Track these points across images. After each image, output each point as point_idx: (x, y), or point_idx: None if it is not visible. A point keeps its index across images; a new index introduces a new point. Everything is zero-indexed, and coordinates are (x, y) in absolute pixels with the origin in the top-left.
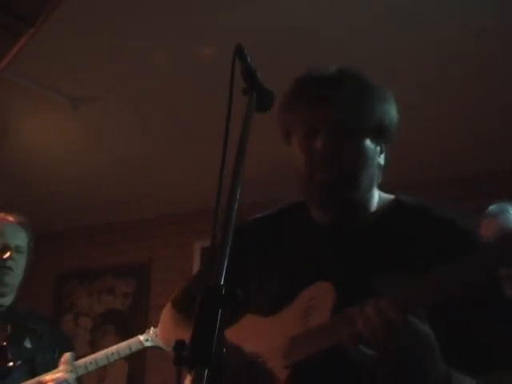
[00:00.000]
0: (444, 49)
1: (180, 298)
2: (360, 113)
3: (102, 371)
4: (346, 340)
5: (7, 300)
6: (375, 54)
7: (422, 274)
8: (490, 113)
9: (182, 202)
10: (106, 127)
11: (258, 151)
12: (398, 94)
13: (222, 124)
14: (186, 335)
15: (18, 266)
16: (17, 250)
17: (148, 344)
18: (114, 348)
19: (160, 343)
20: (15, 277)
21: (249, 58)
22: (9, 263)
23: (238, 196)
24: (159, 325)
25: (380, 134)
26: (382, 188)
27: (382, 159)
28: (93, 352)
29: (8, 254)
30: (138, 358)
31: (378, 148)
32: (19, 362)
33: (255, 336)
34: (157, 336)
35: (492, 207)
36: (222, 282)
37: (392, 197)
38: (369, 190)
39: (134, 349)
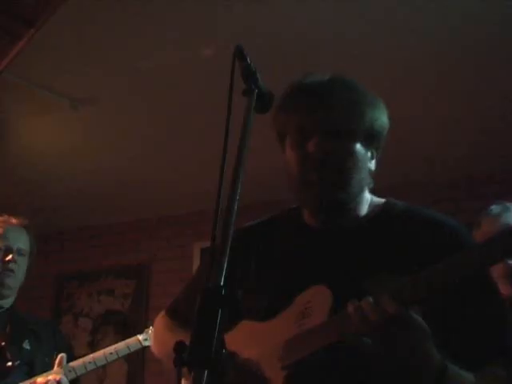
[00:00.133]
0: (444, 49)
1: (174, 306)
2: (351, 117)
3: (102, 372)
4: (347, 332)
5: (8, 302)
6: (374, 58)
7: (415, 272)
8: (490, 113)
9: (181, 203)
10: (106, 128)
11: (257, 151)
12: (398, 94)
13: (223, 125)
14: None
15: (20, 268)
16: (19, 252)
17: (147, 343)
18: (112, 348)
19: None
20: (16, 279)
21: (248, 59)
22: (11, 265)
23: (238, 197)
24: (152, 338)
25: (371, 139)
26: (382, 188)
27: (372, 165)
28: (92, 353)
29: (10, 257)
30: (138, 358)
31: (369, 153)
32: (18, 362)
33: (251, 341)
34: None
35: (494, 207)
36: (221, 283)
37: (383, 200)
38: (359, 193)
39: (132, 348)
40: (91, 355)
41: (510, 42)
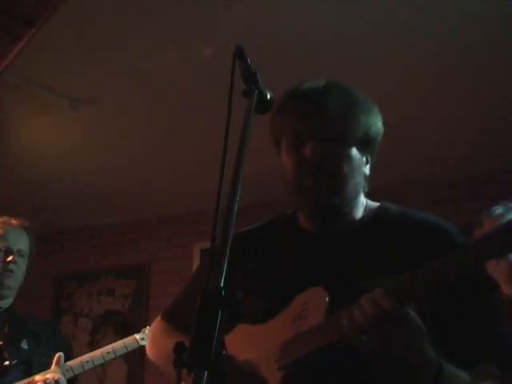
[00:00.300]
0: (444, 49)
1: (170, 309)
2: (347, 122)
3: (102, 372)
4: (345, 330)
5: (6, 302)
6: (374, 58)
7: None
8: (490, 113)
9: (181, 203)
10: (106, 128)
11: (257, 152)
12: (398, 94)
13: (223, 125)
14: None
15: (20, 269)
16: (19, 253)
17: (144, 343)
18: (110, 347)
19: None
20: (16, 280)
21: (249, 60)
22: (11, 266)
23: (238, 197)
24: (148, 343)
25: (366, 144)
26: (382, 188)
27: (367, 169)
28: None
29: (11, 258)
30: (138, 359)
31: (364, 158)
32: (15, 362)
33: (248, 344)
34: None
35: (496, 207)
36: (221, 284)
37: (377, 204)
38: (354, 198)
39: (129, 348)
40: (89, 354)
41: (510, 42)
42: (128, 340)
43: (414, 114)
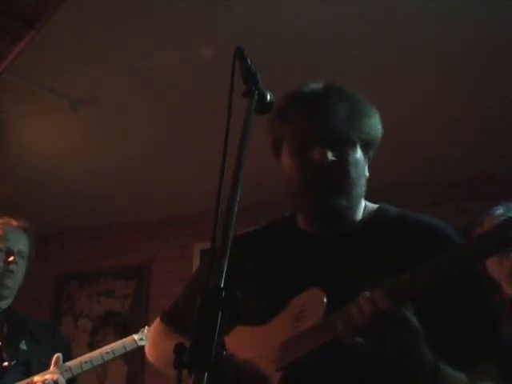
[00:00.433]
0: (444, 49)
1: (170, 311)
2: (353, 124)
3: (102, 373)
4: (341, 329)
5: (6, 303)
6: (374, 58)
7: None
8: (490, 113)
9: (182, 203)
10: (106, 128)
11: (257, 152)
12: (398, 94)
13: (223, 125)
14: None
15: (20, 270)
16: (19, 254)
17: (142, 343)
18: (109, 347)
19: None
20: (16, 280)
21: (249, 60)
22: (12, 267)
23: (238, 198)
24: (147, 345)
25: (368, 147)
26: (382, 188)
27: (367, 171)
28: None
29: (11, 258)
30: (138, 360)
31: (366, 160)
32: (14, 362)
33: (247, 345)
34: None
35: (498, 207)
36: (222, 285)
37: (376, 206)
38: (360, 200)
39: (128, 348)
40: (87, 355)
41: (510, 42)
42: (127, 340)
43: (413, 114)
